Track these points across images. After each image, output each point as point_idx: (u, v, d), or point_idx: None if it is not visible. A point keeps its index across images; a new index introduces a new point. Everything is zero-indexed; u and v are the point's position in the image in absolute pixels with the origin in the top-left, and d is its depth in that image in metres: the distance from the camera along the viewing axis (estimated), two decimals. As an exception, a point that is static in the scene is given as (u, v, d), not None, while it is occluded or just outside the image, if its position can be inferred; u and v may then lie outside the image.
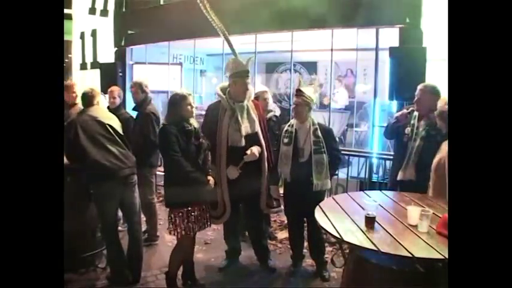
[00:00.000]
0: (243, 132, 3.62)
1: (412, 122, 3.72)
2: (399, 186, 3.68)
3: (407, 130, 3.70)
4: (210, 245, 4.57)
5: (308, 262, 4.12)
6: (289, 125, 3.78)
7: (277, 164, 3.78)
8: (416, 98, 3.70)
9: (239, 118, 3.62)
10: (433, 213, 2.57)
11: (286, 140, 3.71)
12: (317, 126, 3.72)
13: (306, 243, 4.08)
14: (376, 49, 5.68)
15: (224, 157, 3.64)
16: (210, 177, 3.43)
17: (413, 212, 2.50)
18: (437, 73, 4.61)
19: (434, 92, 3.59)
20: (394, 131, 3.89)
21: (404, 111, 3.87)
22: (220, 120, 3.66)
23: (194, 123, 3.38)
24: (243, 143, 3.62)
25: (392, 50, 4.87)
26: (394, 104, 5.58)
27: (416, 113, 3.73)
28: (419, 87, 3.71)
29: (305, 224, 4.00)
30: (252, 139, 3.69)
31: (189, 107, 3.31)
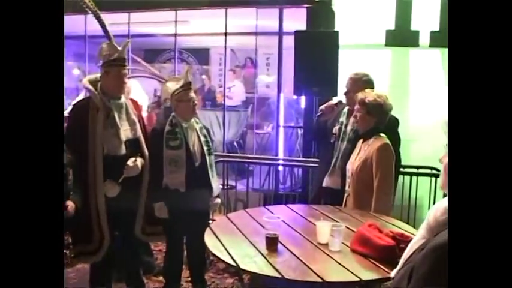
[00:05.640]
0: (123, 137, 3.54)
1: (340, 119, 3.82)
2: (323, 195, 3.84)
3: (335, 129, 3.80)
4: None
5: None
6: (171, 125, 3.72)
7: (157, 175, 3.69)
8: (346, 90, 3.80)
9: (117, 119, 3.53)
10: (346, 227, 2.67)
11: (174, 143, 3.67)
12: (201, 124, 3.86)
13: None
14: (280, 33, 5.81)
15: (100, 170, 3.49)
16: (69, 202, 3.24)
17: (323, 228, 2.57)
18: (351, 62, 4.84)
19: (367, 82, 3.71)
20: (320, 129, 3.99)
21: (331, 102, 3.97)
22: (91, 123, 3.51)
23: None
24: (123, 150, 3.53)
25: (298, 35, 4.99)
26: (303, 100, 5.75)
27: (346, 109, 3.82)
28: (349, 75, 3.82)
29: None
30: (134, 146, 3.64)
31: None
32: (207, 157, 3.74)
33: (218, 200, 3.94)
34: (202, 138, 3.77)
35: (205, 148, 3.75)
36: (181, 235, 3.92)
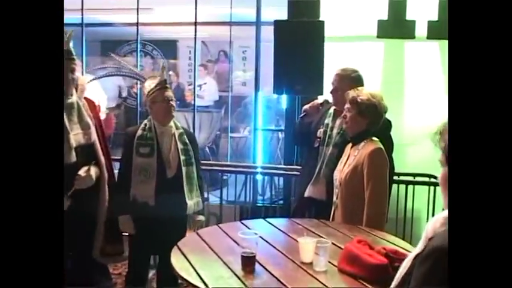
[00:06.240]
0: (73, 143, 3.50)
1: (326, 121, 3.84)
2: (307, 207, 3.87)
3: (320, 132, 3.82)
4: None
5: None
6: (144, 129, 3.73)
7: (125, 184, 3.68)
8: (332, 88, 3.80)
9: (66, 122, 3.48)
10: (333, 243, 2.67)
11: (144, 150, 3.69)
12: (182, 130, 3.84)
13: None
14: (257, 23, 5.82)
15: None
16: None
17: (307, 246, 2.57)
18: (338, 56, 4.87)
19: (356, 79, 3.72)
20: (304, 132, 4.01)
21: (316, 101, 4.01)
22: None
23: None
24: (74, 158, 3.49)
25: (278, 25, 5.01)
26: (284, 99, 5.77)
27: (332, 109, 3.84)
28: (336, 71, 3.82)
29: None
30: (87, 153, 3.60)
31: None
32: (183, 168, 3.72)
33: (200, 218, 3.90)
34: (181, 146, 3.75)
35: (182, 157, 3.72)
36: (147, 254, 3.93)
